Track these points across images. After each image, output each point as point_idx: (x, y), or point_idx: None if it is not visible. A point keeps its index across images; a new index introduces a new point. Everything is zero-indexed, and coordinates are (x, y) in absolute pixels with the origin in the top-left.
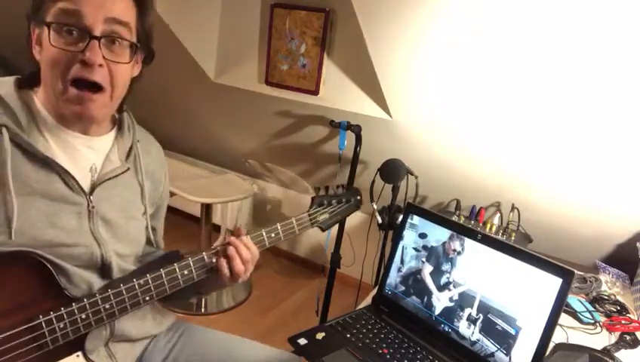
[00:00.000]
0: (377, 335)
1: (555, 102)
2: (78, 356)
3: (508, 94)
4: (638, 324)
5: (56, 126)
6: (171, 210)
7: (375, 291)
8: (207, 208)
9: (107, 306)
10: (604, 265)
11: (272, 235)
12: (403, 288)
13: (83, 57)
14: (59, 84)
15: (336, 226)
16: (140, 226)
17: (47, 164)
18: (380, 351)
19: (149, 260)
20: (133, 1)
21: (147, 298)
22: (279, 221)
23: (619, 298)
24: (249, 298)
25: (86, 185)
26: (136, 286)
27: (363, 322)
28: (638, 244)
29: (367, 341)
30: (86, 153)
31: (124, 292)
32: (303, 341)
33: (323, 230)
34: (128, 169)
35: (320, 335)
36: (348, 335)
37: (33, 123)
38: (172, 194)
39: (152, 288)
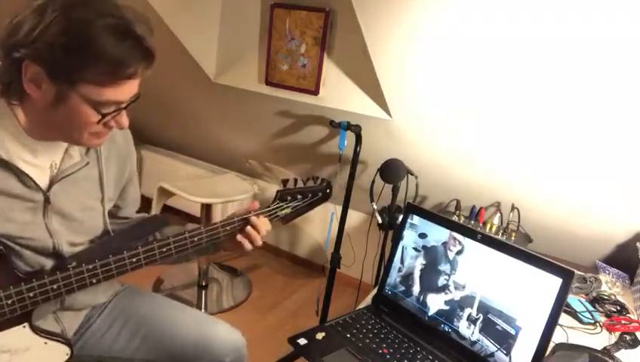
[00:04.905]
0: (377, 335)
1: (555, 102)
2: (24, 326)
3: (508, 94)
4: (638, 324)
5: (18, 130)
6: (171, 210)
7: (375, 291)
8: (207, 208)
9: (55, 287)
10: (604, 265)
11: (228, 228)
12: (403, 288)
13: (114, 125)
14: (79, 135)
15: (336, 226)
16: (96, 216)
17: (4, 164)
18: (380, 351)
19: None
20: None
21: (94, 281)
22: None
23: (619, 298)
24: (249, 298)
25: (44, 183)
26: (84, 271)
27: (363, 322)
28: (638, 244)
29: (367, 341)
30: (46, 151)
31: (72, 275)
32: (302, 341)
33: (284, 223)
34: (87, 163)
35: (320, 335)
36: (348, 335)
37: None
38: (172, 194)
39: (100, 273)
